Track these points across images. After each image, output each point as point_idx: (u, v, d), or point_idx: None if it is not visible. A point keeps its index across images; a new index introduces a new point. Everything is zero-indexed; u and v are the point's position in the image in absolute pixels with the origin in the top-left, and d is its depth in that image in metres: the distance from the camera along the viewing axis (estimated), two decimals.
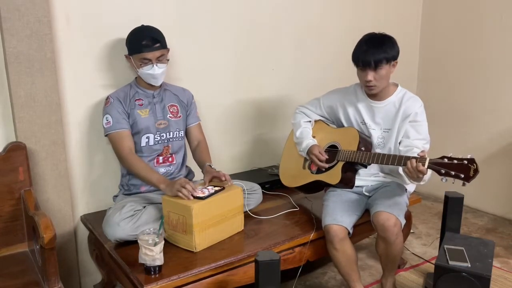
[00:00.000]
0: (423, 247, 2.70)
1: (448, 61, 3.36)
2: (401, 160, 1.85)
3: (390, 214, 1.90)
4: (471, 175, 1.68)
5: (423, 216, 3.16)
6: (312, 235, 1.99)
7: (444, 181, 1.73)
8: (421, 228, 2.97)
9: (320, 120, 2.26)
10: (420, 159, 1.77)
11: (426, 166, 1.74)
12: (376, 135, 2.09)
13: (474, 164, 1.68)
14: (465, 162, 1.69)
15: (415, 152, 1.91)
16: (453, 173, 1.70)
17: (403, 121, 2.02)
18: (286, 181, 2.35)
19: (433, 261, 2.14)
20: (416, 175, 1.77)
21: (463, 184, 1.72)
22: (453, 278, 1.68)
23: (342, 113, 2.16)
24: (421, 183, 1.86)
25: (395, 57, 1.96)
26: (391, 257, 2.00)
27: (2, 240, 1.82)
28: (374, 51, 1.92)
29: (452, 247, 1.82)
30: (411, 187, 2.15)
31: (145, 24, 2.00)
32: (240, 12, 2.55)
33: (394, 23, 3.24)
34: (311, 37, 2.89)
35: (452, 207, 2.17)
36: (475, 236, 2.78)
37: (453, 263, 1.70)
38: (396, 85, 2.08)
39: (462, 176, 1.69)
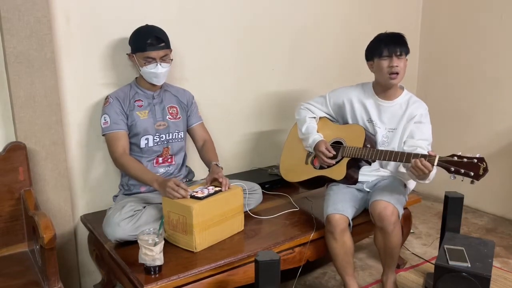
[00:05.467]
0: (423, 247, 2.70)
1: (448, 61, 3.36)
2: (410, 157, 1.86)
3: (388, 202, 1.90)
4: (481, 174, 1.70)
5: (423, 216, 3.16)
6: (312, 235, 1.98)
7: (452, 178, 1.75)
8: (421, 228, 2.97)
9: (324, 117, 2.26)
10: (429, 157, 1.79)
11: (435, 163, 1.76)
12: (381, 133, 2.11)
13: (484, 163, 1.70)
14: (475, 160, 1.72)
15: (419, 152, 1.91)
16: (462, 171, 1.73)
17: (408, 122, 2.06)
18: (287, 175, 2.35)
19: (433, 261, 2.14)
20: (422, 172, 1.79)
21: (472, 182, 1.73)
22: (453, 278, 1.68)
23: (349, 110, 2.18)
24: (426, 181, 1.88)
25: (408, 53, 2.03)
26: (389, 249, 1.99)
27: (2, 240, 1.82)
28: (396, 40, 2.00)
29: (452, 247, 1.82)
30: (411, 184, 2.16)
31: (149, 24, 2.01)
32: (241, 13, 2.55)
33: (394, 23, 3.23)
34: (311, 37, 2.89)
35: (452, 207, 2.16)
36: (475, 236, 2.78)
37: (453, 263, 1.70)
38: (402, 88, 2.13)
39: (472, 174, 1.71)
